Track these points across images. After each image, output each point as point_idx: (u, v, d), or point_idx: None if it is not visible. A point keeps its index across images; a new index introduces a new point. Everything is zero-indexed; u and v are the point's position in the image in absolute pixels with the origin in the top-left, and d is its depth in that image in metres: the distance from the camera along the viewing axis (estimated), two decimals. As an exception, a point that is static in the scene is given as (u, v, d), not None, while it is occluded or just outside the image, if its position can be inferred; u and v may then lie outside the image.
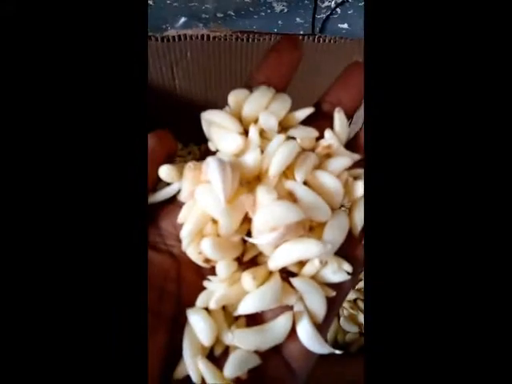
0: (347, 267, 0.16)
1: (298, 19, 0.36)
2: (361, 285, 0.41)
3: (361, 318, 0.39)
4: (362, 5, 0.36)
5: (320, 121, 0.18)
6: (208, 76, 0.36)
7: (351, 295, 0.40)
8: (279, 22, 0.37)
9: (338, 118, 0.18)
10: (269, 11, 0.36)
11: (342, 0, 0.35)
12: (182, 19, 0.35)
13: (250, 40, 0.34)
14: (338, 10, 0.36)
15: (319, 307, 0.16)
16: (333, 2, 0.35)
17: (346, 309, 0.40)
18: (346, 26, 0.37)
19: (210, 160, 0.15)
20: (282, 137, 0.16)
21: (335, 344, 0.37)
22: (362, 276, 0.42)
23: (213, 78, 0.36)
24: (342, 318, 0.39)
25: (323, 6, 0.36)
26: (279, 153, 0.16)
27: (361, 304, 0.41)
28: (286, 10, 0.36)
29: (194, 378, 0.14)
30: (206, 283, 0.16)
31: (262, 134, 0.17)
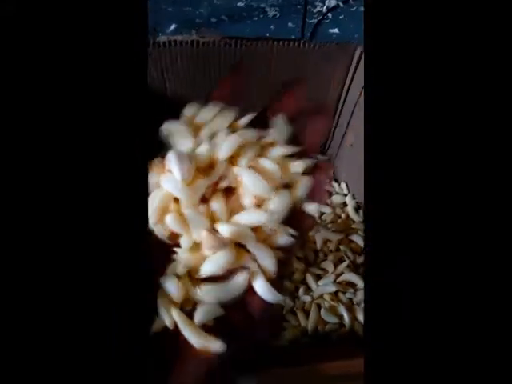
0: (292, 232, 0.20)
1: (290, 24, 0.39)
2: (342, 278, 0.44)
3: (341, 309, 0.41)
4: (353, 10, 0.39)
5: (266, 122, 0.23)
6: (197, 80, 0.38)
7: (332, 288, 0.43)
8: (271, 26, 0.39)
9: (279, 122, 0.22)
10: (261, 16, 0.38)
11: (334, 5, 0.38)
12: (173, 25, 0.37)
13: (238, 45, 0.36)
14: (330, 15, 0.39)
15: (270, 265, 0.20)
16: (324, 7, 0.38)
17: (326, 301, 0.42)
18: (336, 30, 0.40)
19: (169, 154, 0.19)
20: (224, 133, 0.20)
21: (316, 333, 0.40)
22: (343, 269, 0.45)
23: (202, 82, 0.38)
24: (322, 310, 0.41)
25: (315, 10, 0.38)
26: (224, 143, 0.20)
27: (341, 296, 0.43)
28: (278, 15, 0.39)
29: (168, 323, 0.18)
30: (173, 256, 0.20)
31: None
